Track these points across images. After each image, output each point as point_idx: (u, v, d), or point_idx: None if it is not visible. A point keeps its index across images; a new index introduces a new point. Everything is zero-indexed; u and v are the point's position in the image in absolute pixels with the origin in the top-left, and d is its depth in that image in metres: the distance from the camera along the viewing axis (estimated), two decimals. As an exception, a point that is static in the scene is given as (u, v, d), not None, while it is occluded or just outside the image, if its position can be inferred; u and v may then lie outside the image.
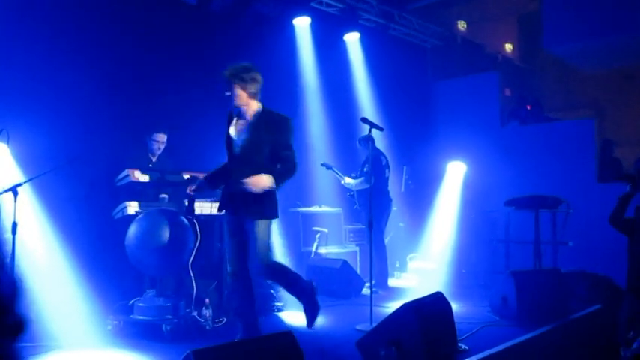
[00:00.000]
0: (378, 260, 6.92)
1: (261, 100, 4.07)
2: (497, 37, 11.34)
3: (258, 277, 4.08)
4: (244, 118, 4.03)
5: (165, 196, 5.20)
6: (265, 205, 3.90)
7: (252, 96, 3.99)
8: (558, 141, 8.46)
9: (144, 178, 5.04)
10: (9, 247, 3.97)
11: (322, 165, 7.29)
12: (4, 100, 4.83)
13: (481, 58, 10.45)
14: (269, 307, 5.61)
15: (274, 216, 4.01)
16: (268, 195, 3.86)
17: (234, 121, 4.07)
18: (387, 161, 7.11)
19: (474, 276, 7.22)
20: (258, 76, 4.02)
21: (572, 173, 8.00)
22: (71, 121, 5.28)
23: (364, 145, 6.98)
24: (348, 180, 7.12)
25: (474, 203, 7.70)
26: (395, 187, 8.15)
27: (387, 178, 7.09)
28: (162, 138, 5.70)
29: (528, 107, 9.37)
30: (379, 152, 7.03)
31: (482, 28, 10.82)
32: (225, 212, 4.10)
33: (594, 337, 4.83)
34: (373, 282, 6.93)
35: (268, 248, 3.95)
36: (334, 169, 7.26)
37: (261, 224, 3.90)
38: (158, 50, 6.17)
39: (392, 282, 7.41)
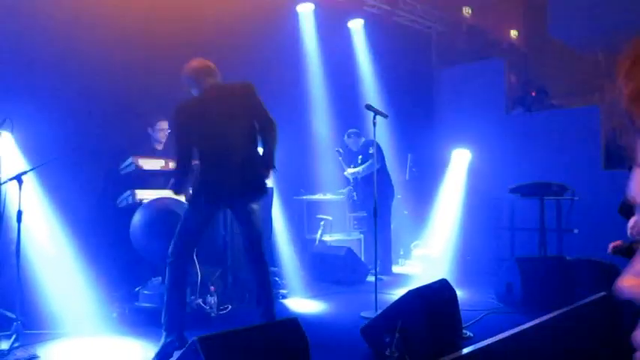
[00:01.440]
0: (383, 246, 6.96)
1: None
2: (503, 24, 11.24)
3: (265, 257, 3.96)
4: None
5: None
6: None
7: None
8: (564, 127, 8.41)
9: (148, 166, 5.04)
10: (14, 236, 3.98)
11: (337, 150, 7.33)
12: (8, 89, 4.81)
13: (486, 45, 10.36)
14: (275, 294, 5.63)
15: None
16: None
17: None
18: None
19: (479, 263, 7.21)
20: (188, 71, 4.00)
21: (577, 160, 7.95)
22: (75, 110, 5.27)
23: (355, 139, 7.08)
24: (350, 170, 7.15)
25: (478, 190, 7.67)
26: (400, 174, 8.15)
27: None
28: (164, 125, 5.68)
29: (533, 94, 9.31)
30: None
31: (487, 14, 10.71)
32: (209, 203, 3.84)
33: (599, 325, 4.83)
34: (378, 269, 7.03)
35: None
36: (343, 157, 7.29)
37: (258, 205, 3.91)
38: (162, 36, 6.13)
39: (396, 269, 7.43)
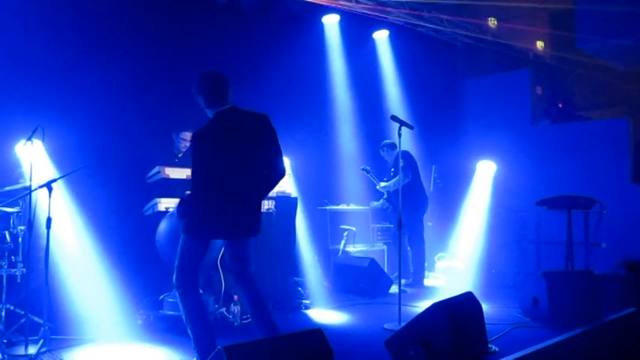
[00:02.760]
0: (417, 258, 6.96)
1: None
2: (529, 35, 11.14)
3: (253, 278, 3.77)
4: None
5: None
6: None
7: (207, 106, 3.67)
8: (591, 140, 8.30)
9: (174, 175, 5.08)
10: (43, 242, 4.05)
11: (362, 169, 7.37)
12: (40, 99, 4.93)
13: (512, 56, 10.29)
14: (296, 304, 5.62)
15: None
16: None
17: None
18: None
19: (504, 277, 7.12)
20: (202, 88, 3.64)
21: (605, 173, 7.83)
22: (103, 119, 5.36)
23: (388, 151, 7.08)
24: (382, 184, 7.19)
25: (503, 203, 7.59)
26: (424, 186, 8.12)
27: (420, 175, 7.17)
28: (188, 136, 5.74)
29: (560, 105, 9.21)
30: (407, 151, 7.06)
31: (513, 25, 10.64)
32: (212, 236, 3.67)
33: (628, 341, 4.73)
34: (409, 280, 7.02)
35: None
36: (371, 173, 7.32)
37: None
38: (188, 48, 6.21)
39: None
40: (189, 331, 3.53)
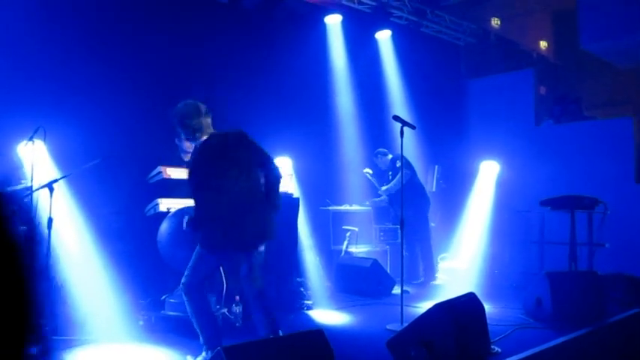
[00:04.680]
0: (426, 254, 7.10)
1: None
2: (532, 34, 11.12)
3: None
4: None
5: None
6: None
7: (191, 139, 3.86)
8: (595, 140, 8.26)
9: (176, 175, 5.08)
10: (45, 242, 4.05)
11: (365, 172, 7.43)
12: (41, 99, 4.92)
13: (515, 56, 10.26)
14: (298, 305, 5.60)
15: None
16: None
17: None
18: None
19: (507, 277, 7.10)
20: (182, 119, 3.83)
21: (609, 173, 7.78)
22: (105, 119, 5.36)
23: (381, 158, 7.20)
24: (383, 188, 7.25)
25: (507, 203, 7.57)
26: (426, 186, 8.11)
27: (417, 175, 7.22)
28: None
29: (568, 105, 9.18)
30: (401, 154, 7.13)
31: (516, 24, 10.60)
32: (219, 251, 3.73)
33: (632, 342, 4.70)
34: (421, 280, 7.03)
35: None
36: (374, 177, 7.38)
37: None
38: (190, 48, 6.21)
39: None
40: (195, 326, 3.65)
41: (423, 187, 7.26)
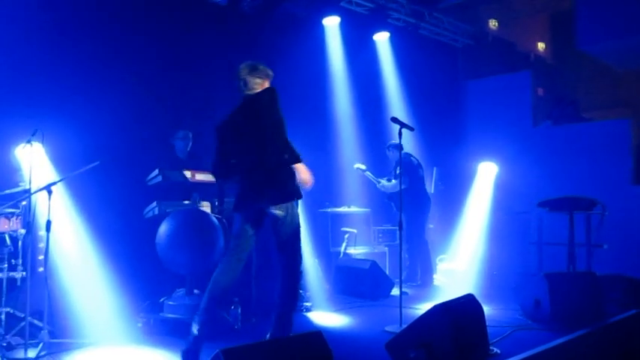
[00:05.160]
0: (423, 258, 7.08)
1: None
2: (530, 36, 11.14)
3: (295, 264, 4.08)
4: None
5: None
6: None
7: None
8: (592, 141, 8.28)
9: (174, 177, 5.08)
10: (43, 245, 4.04)
11: (356, 168, 7.33)
12: (39, 101, 4.93)
13: (513, 57, 10.27)
14: (297, 306, 5.59)
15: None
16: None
17: None
18: (418, 161, 7.19)
19: (505, 278, 7.09)
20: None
21: (607, 174, 7.81)
22: (103, 121, 5.35)
23: (393, 151, 7.08)
24: (383, 182, 7.18)
25: (505, 204, 7.58)
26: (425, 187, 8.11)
27: (422, 177, 7.19)
28: (183, 133, 5.75)
29: (566, 106, 9.20)
30: (408, 154, 7.08)
31: (513, 26, 10.63)
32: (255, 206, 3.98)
33: (630, 343, 4.70)
34: (418, 282, 7.02)
35: None
36: (368, 172, 7.29)
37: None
38: (188, 51, 6.22)
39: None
40: (206, 293, 3.83)
41: (425, 191, 7.25)
